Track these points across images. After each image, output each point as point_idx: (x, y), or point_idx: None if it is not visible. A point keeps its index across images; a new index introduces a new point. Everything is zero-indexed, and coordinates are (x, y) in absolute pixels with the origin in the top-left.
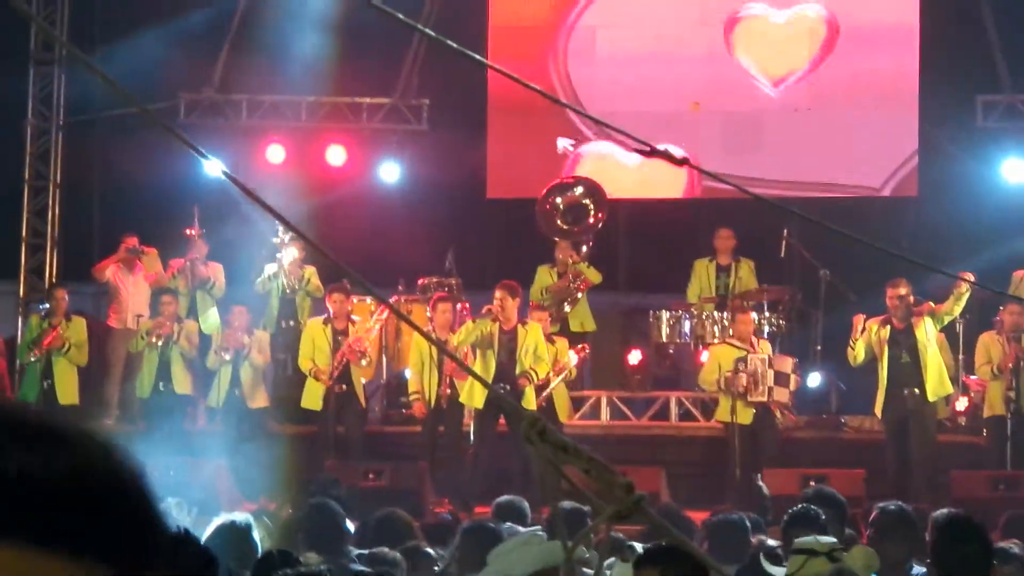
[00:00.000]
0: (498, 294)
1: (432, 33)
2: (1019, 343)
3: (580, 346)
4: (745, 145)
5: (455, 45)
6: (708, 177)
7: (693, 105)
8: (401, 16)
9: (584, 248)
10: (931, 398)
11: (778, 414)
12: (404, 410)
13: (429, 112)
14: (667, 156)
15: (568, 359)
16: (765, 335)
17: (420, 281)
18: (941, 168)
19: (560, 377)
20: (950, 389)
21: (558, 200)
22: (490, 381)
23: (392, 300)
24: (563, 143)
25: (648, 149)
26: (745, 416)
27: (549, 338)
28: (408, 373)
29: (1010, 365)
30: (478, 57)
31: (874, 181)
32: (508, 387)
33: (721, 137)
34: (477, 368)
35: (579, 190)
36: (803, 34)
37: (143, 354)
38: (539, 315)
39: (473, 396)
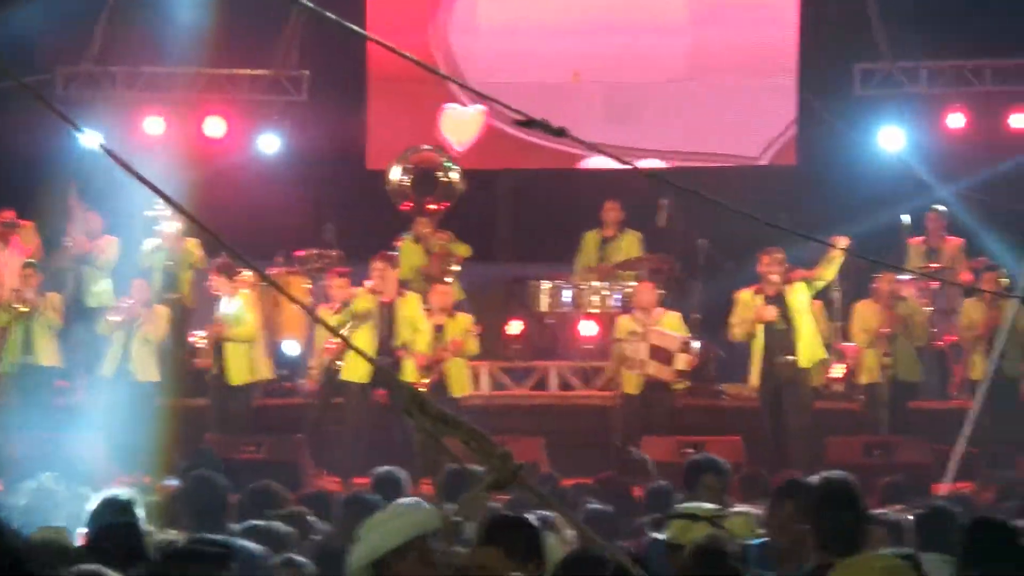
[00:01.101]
0: (378, 265)
1: (310, 4)
2: (895, 310)
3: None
4: (626, 115)
5: (333, 16)
6: (586, 148)
7: (574, 76)
8: None
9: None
10: (805, 365)
11: (673, 384)
12: (285, 383)
13: (309, 83)
14: (544, 126)
15: (471, 334)
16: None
17: (299, 253)
18: (819, 136)
19: (459, 353)
20: (824, 355)
21: (405, 169)
22: (371, 355)
23: (272, 272)
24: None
25: (525, 119)
26: (632, 386)
27: (452, 313)
28: (295, 345)
29: (885, 331)
30: (358, 29)
31: (753, 150)
32: (390, 360)
33: (602, 108)
34: (358, 342)
35: (430, 161)
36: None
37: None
38: (443, 288)
39: (357, 371)
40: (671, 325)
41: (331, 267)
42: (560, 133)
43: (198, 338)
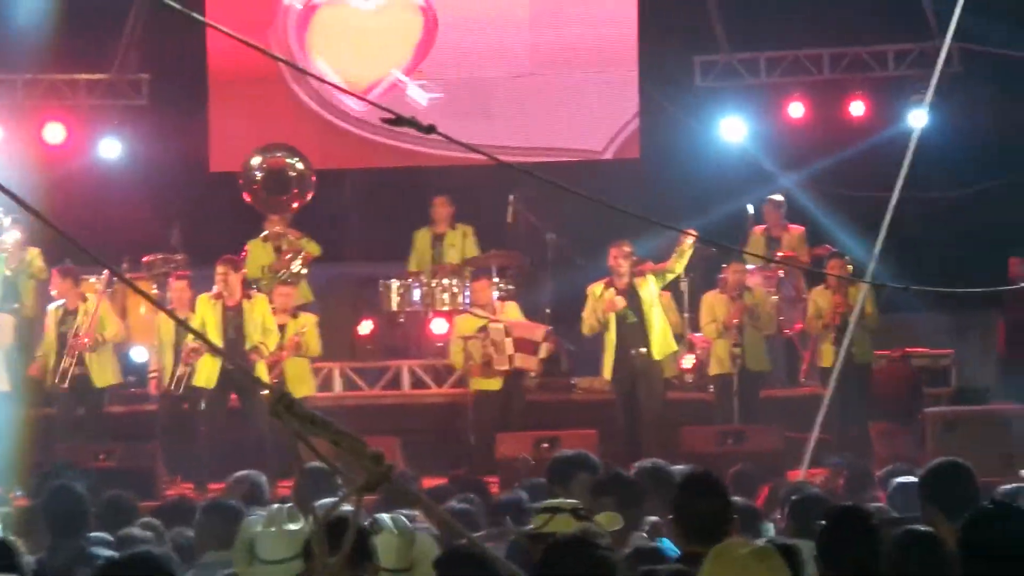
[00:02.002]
0: (220, 269)
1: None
2: (742, 300)
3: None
4: (469, 112)
5: (178, 6)
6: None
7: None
8: None
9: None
10: (657, 357)
11: (528, 377)
12: (132, 389)
13: (149, 87)
14: (414, 124)
15: (312, 334)
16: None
17: (145, 259)
18: (662, 129)
19: (298, 352)
20: (675, 347)
21: (257, 167)
22: (219, 360)
23: (115, 279)
24: None
25: (395, 117)
26: (491, 383)
27: (295, 313)
28: (142, 351)
29: (735, 322)
30: (202, 18)
31: (597, 144)
32: (242, 363)
33: (445, 104)
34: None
35: (291, 159)
36: (396, 29)
37: None
38: (285, 290)
39: (208, 376)
40: (514, 315)
41: (176, 271)
42: (430, 131)
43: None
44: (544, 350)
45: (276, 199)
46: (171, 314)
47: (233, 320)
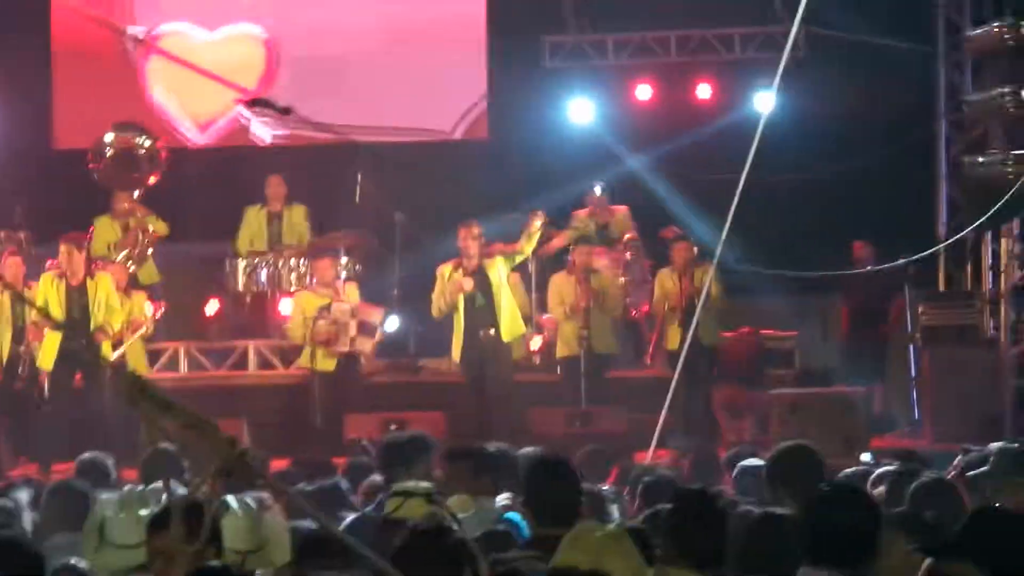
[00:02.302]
0: (63, 248)
1: None
2: (589, 282)
3: (159, 301)
4: (319, 90)
5: None
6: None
7: None
8: None
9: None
10: (506, 339)
11: (362, 360)
12: None
13: None
14: (271, 106)
15: (145, 314)
16: (343, 280)
17: None
18: (511, 110)
19: (138, 334)
20: (523, 329)
21: (107, 145)
22: (60, 339)
23: None
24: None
25: (252, 99)
26: (327, 363)
27: (126, 292)
28: None
29: (582, 305)
30: None
31: (445, 124)
32: (86, 343)
33: (294, 83)
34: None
35: (133, 138)
36: (238, 58)
37: None
38: (113, 268)
39: (44, 357)
40: (354, 296)
41: (10, 249)
42: (287, 112)
43: None
44: (379, 334)
45: (126, 176)
46: (11, 289)
47: (77, 299)
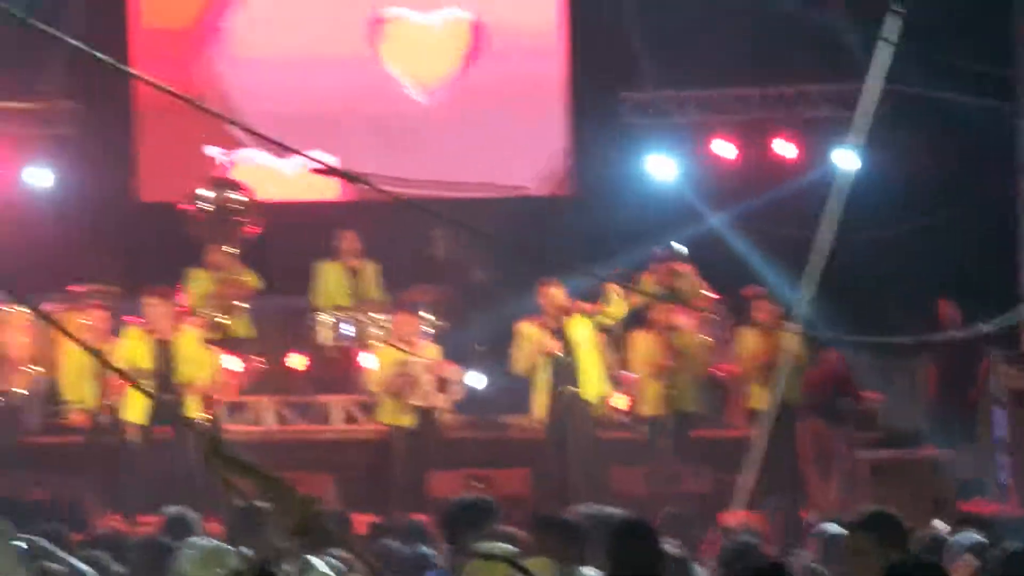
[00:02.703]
0: (150, 301)
1: (77, 43)
2: (671, 341)
3: (247, 356)
4: (397, 147)
5: (102, 56)
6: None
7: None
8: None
9: (236, 251)
10: (589, 398)
11: (442, 416)
12: (61, 419)
13: (77, 115)
14: (344, 174)
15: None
16: (426, 338)
17: (73, 289)
18: (590, 166)
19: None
20: (607, 389)
21: (205, 201)
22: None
23: (47, 309)
24: (214, 151)
25: (324, 168)
26: (405, 418)
27: (214, 345)
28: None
29: (665, 363)
30: (126, 68)
31: (526, 180)
32: (172, 397)
33: (373, 139)
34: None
35: (229, 193)
36: (449, 38)
37: None
38: (200, 321)
39: (135, 411)
40: (431, 353)
41: (99, 302)
42: (357, 180)
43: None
44: (456, 391)
45: (222, 230)
46: (88, 347)
47: (164, 353)
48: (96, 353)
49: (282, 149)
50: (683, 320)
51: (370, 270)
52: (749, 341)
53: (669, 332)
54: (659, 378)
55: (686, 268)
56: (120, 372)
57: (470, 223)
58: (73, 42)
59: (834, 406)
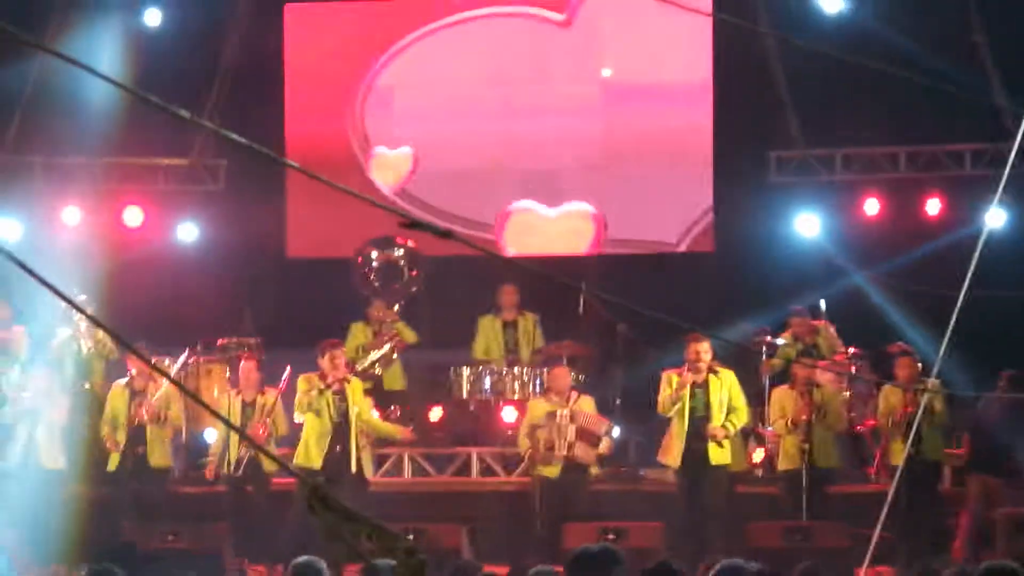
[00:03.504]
0: (328, 354)
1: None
2: (811, 396)
3: (393, 407)
4: (544, 201)
5: (248, 143)
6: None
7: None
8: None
9: (397, 306)
10: (714, 460)
11: (593, 471)
12: (203, 471)
13: (226, 172)
14: (431, 228)
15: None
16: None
17: (219, 341)
18: (737, 223)
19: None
20: (729, 455)
21: (374, 256)
22: (327, 444)
23: (191, 360)
24: None
25: (410, 222)
26: (552, 470)
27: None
28: (209, 434)
29: (804, 418)
30: (279, 157)
31: (671, 237)
32: (340, 449)
33: (521, 193)
34: (313, 430)
35: (398, 251)
36: (572, 230)
37: None
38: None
39: (311, 458)
40: (588, 408)
41: (246, 353)
42: (447, 235)
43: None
44: (605, 445)
45: (389, 287)
46: (203, 404)
47: (338, 404)
48: (199, 401)
49: (399, 216)
50: (823, 376)
51: (530, 321)
52: (891, 397)
53: (810, 387)
54: (798, 433)
55: (822, 323)
56: (235, 429)
57: (616, 279)
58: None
59: (1008, 458)
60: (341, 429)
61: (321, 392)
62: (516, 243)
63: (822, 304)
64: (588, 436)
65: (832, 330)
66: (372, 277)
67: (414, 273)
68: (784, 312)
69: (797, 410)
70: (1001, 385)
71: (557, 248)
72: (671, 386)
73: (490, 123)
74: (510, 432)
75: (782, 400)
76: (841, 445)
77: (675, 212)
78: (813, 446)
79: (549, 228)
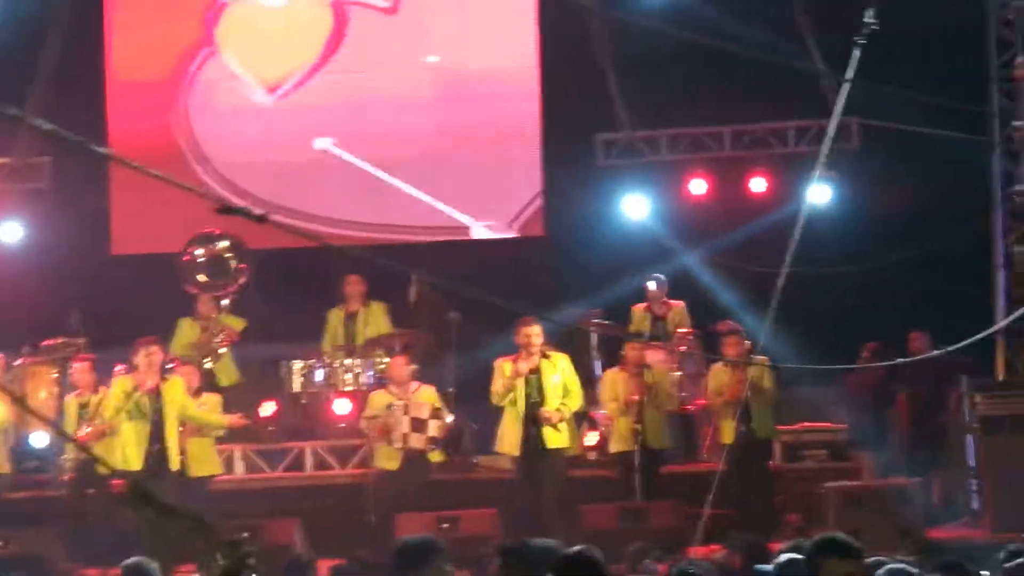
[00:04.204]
0: (142, 352)
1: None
2: (642, 378)
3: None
4: (373, 191)
5: (73, 136)
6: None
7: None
8: None
9: (223, 302)
10: (551, 444)
11: (432, 457)
12: (34, 476)
13: (50, 169)
14: (245, 213)
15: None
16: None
17: (46, 342)
18: (566, 207)
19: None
20: (567, 438)
21: (199, 252)
22: (145, 445)
23: (19, 362)
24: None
25: (224, 207)
26: (391, 462)
27: (197, 394)
28: (41, 438)
29: (635, 399)
30: (100, 149)
31: (501, 222)
32: (158, 447)
33: (348, 184)
34: (130, 432)
35: (221, 243)
36: (303, 28)
37: None
38: (185, 369)
39: (128, 459)
40: (428, 398)
41: (78, 355)
42: (262, 220)
43: None
44: (434, 428)
45: (215, 283)
46: (30, 409)
47: (154, 403)
48: (25, 406)
49: (212, 201)
50: (655, 356)
51: (377, 310)
52: (720, 376)
53: (640, 368)
54: (629, 414)
55: (678, 304)
56: (58, 430)
57: (445, 266)
58: (54, 130)
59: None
60: (158, 428)
61: (128, 396)
62: (230, 44)
63: (653, 284)
64: (418, 424)
65: (682, 309)
66: (199, 273)
67: (241, 266)
68: (619, 292)
69: (628, 392)
70: (865, 356)
71: (282, 53)
72: (504, 375)
73: (321, 116)
74: (343, 424)
75: (613, 382)
76: (671, 426)
77: (505, 197)
78: (645, 427)
79: (273, 25)
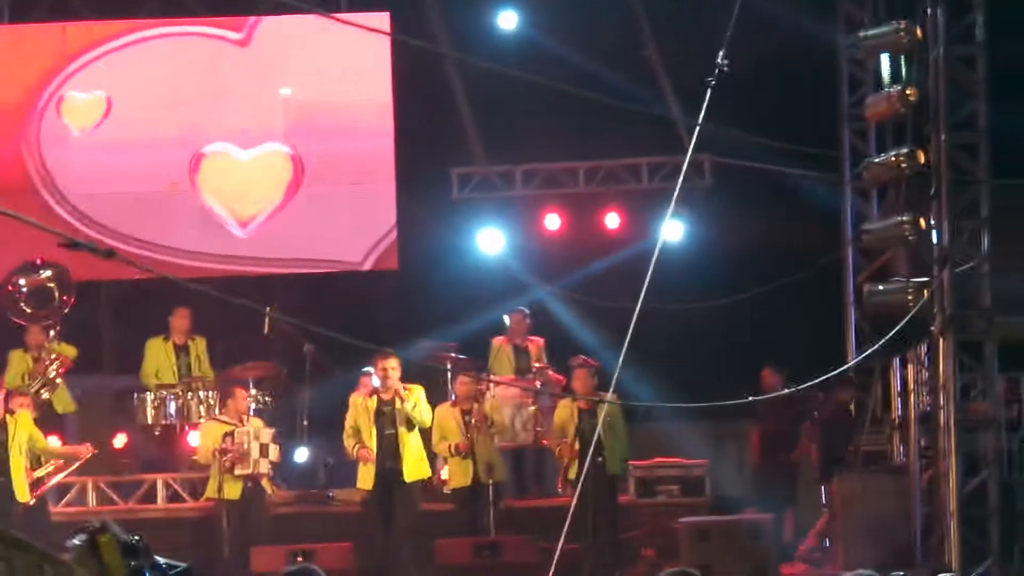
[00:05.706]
0: None
1: None
2: (474, 411)
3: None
4: (228, 223)
5: None
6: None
7: (171, 185)
8: None
9: (53, 331)
10: (408, 478)
11: (268, 488)
12: None
13: None
14: (91, 248)
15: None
16: (252, 412)
17: None
18: (420, 241)
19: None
20: (427, 473)
21: (22, 283)
22: None
23: None
24: None
25: (69, 242)
26: (233, 491)
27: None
28: None
29: (467, 436)
30: None
31: (355, 256)
32: (3, 480)
33: (203, 215)
34: None
35: (44, 273)
36: (269, 173)
37: None
38: (21, 400)
39: None
40: (257, 425)
41: None
42: (110, 255)
43: None
44: (274, 453)
45: (40, 313)
46: None
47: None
48: None
49: (58, 237)
50: (510, 392)
51: (200, 345)
52: (564, 412)
53: (471, 402)
54: (462, 450)
55: (538, 341)
56: None
57: (301, 299)
58: None
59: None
60: (2, 461)
61: None
62: (210, 189)
63: (506, 319)
64: (264, 449)
65: (541, 346)
66: (23, 304)
67: (65, 298)
68: (467, 328)
69: (458, 428)
70: (771, 381)
71: (254, 195)
72: (357, 408)
73: (175, 150)
74: (195, 456)
75: (443, 420)
76: (524, 459)
77: (360, 231)
78: (476, 462)
79: (244, 171)
